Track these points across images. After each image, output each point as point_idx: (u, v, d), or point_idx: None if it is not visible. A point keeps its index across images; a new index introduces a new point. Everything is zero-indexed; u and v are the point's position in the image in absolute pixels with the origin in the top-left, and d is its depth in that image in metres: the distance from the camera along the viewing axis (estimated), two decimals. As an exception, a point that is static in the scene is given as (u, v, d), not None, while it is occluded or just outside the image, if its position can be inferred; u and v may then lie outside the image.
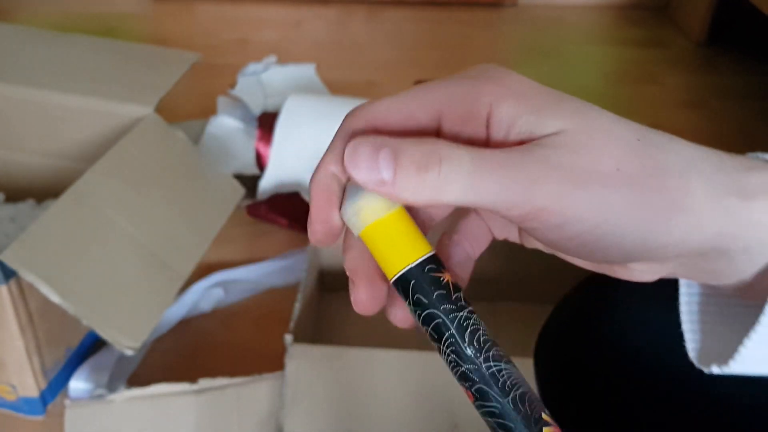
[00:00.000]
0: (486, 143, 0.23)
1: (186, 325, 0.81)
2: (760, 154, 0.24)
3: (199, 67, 0.89)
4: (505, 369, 0.22)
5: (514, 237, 0.28)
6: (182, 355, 0.78)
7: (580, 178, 0.21)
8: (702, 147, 0.23)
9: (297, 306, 0.69)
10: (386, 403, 0.62)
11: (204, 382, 0.65)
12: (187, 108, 1.17)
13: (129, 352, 0.62)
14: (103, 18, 1.61)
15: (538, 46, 1.56)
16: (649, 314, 0.37)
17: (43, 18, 1.60)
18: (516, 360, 0.23)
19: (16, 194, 0.86)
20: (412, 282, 0.23)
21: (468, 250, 0.27)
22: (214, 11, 1.66)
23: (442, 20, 1.65)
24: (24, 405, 0.69)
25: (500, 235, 0.28)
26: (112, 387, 0.69)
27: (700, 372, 0.25)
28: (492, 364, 0.22)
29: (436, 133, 0.24)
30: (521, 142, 0.22)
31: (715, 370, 0.24)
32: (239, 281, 0.87)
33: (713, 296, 0.27)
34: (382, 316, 0.26)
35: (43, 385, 0.68)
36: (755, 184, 0.22)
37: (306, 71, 1.25)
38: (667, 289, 0.28)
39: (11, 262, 0.58)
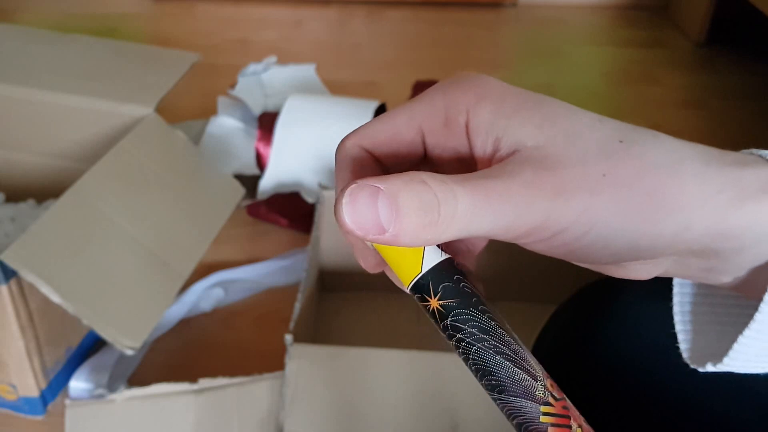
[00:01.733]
0: (469, 152, 0.24)
1: (186, 325, 0.81)
2: (754, 151, 0.23)
3: (199, 67, 0.89)
4: (499, 399, 0.22)
5: None
6: (182, 355, 0.78)
7: (566, 191, 0.21)
8: (691, 143, 0.22)
9: (297, 306, 0.69)
10: (386, 403, 0.62)
11: (204, 382, 0.65)
12: (187, 108, 1.17)
13: (129, 352, 0.62)
14: (103, 18, 1.61)
15: (538, 46, 1.56)
16: (646, 323, 0.37)
17: (43, 18, 1.60)
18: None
19: (16, 194, 0.86)
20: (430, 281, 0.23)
21: (468, 245, 0.27)
22: (214, 11, 1.66)
23: (442, 20, 1.66)
24: (24, 405, 0.69)
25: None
26: (112, 387, 0.69)
27: (698, 382, 0.25)
28: (489, 394, 0.22)
29: (422, 145, 0.24)
30: (500, 150, 0.23)
31: (710, 367, 0.24)
32: (239, 281, 0.87)
33: (707, 296, 0.26)
34: (382, 315, 0.26)
35: (44, 384, 0.68)
36: (749, 181, 0.21)
37: (306, 71, 1.25)
38: (665, 298, 0.27)
39: (11, 262, 0.58)
